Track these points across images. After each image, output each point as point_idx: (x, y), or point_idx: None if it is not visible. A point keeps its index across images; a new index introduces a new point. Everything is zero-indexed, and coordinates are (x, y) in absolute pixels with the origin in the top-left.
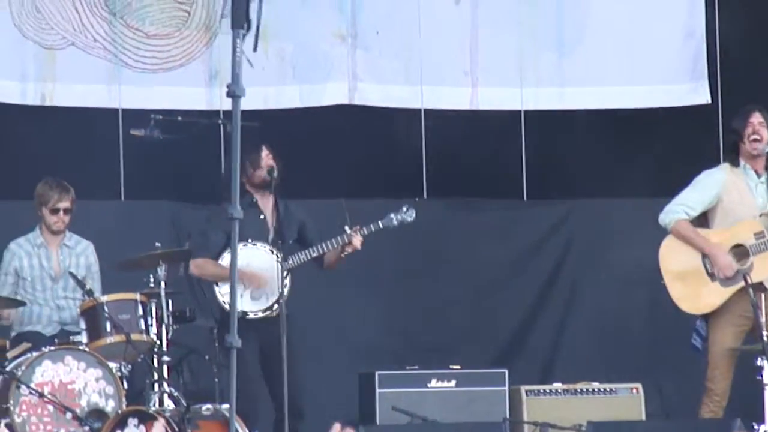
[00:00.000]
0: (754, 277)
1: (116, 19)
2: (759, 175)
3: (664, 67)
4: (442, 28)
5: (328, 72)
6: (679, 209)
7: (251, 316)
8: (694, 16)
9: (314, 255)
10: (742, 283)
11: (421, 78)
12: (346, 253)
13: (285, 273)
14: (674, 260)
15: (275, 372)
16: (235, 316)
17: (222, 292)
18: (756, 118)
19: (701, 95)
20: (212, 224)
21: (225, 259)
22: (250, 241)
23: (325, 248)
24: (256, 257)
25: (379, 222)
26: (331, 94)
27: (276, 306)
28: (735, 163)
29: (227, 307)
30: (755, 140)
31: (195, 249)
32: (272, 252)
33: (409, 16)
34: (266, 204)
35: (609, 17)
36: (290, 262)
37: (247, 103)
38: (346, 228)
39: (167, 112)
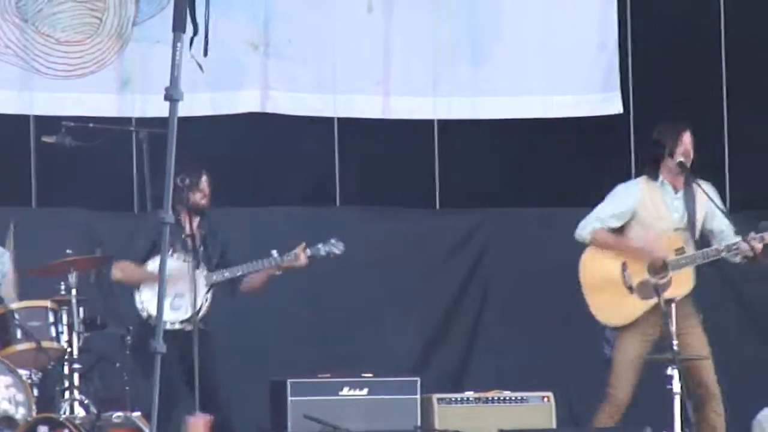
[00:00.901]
0: (670, 293)
1: (28, 25)
2: (677, 191)
3: (577, 78)
4: (355, 37)
5: (240, 80)
6: (595, 222)
7: (168, 326)
8: (606, 28)
9: (239, 274)
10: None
11: (335, 87)
12: (276, 274)
13: (207, 288)
14: (593, 272)
15: (200, 383)
16: (161, 322)
17: (142, 298)
18: (688, 137)
19: (613, 105)
20: (139, 230)
21: (149, 266)
22: (173, 252)
23: (252, 268)
24: (178, 266)
25: (308, 250)
26: (244, 101)
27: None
28: (653, 177)
29: (144, 314)
30: (682, 162)
31: (119, 252)
32: (195, 265)
33: (321, 25)
34: (191, 224)
35: (522, 28)
36: (215, 277)
37: (160, 110)
38: (273, 252)
39: (79, 119)
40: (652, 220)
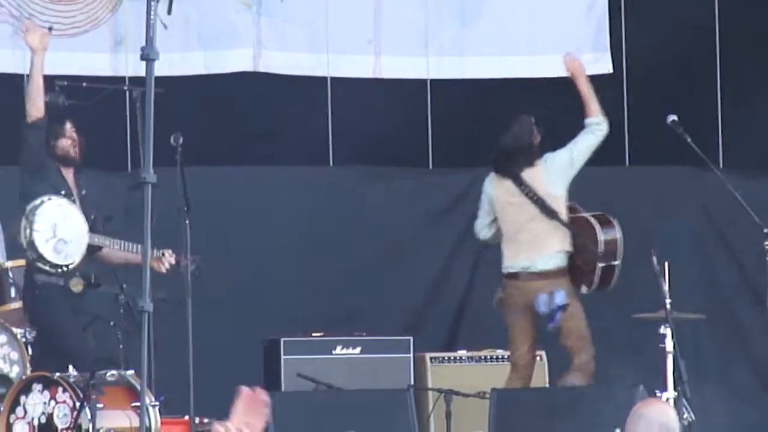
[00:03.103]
0: None
1: None
2: None
3: (566, 38)
4: None
5: (232, 39)
6: None
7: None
8: None
9: (107, 245)
10: None
11: (327, 46)
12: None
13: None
14: None
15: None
16: (147, 281)
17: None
18: None
19: (604, 65)
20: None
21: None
22: (63, 194)
23: (122, 246)
24: (72, 216)
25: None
26: (236, 60)
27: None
28: None
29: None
30: None
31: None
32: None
33: None
34: (68, 177)
35: None
36: (96, 240)
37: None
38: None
39: (72, 78)
40: None
